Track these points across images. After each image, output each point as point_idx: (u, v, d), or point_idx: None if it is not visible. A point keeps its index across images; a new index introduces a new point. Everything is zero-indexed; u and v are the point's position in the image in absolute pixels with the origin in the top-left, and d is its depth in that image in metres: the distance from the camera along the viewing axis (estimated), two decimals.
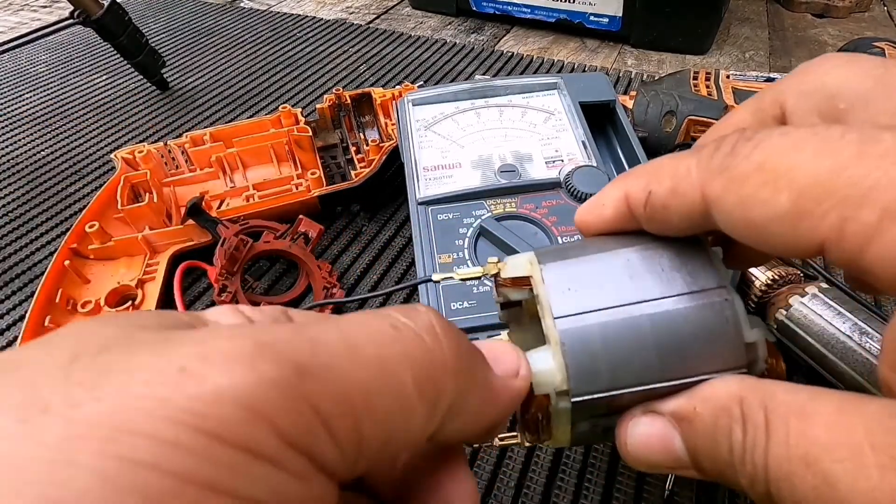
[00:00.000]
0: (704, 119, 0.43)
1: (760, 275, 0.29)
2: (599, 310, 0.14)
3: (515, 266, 0.16)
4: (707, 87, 0.44)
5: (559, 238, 0.29)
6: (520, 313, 0.18)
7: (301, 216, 0.35)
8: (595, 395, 0.14)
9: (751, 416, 0.11)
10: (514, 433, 0.16)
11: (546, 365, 0.14)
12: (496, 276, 0.16)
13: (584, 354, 0.14)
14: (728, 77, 0.45)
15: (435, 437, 0.11)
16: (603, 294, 0.14)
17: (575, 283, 0.15)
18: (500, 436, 0.16)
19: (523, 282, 0.16)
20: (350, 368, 0.09)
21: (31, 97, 0.57)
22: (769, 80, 0.43)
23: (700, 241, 0.15)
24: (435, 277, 0.17)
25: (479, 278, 0.17)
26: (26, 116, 0.54)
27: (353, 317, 0.11)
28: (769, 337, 0.14)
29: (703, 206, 0.12)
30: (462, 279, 0.17)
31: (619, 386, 0.14)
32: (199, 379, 0.08)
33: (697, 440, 0.13)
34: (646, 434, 0.13)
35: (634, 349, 0.14)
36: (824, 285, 0.28)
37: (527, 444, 0.15)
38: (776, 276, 0.29)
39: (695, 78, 0.45)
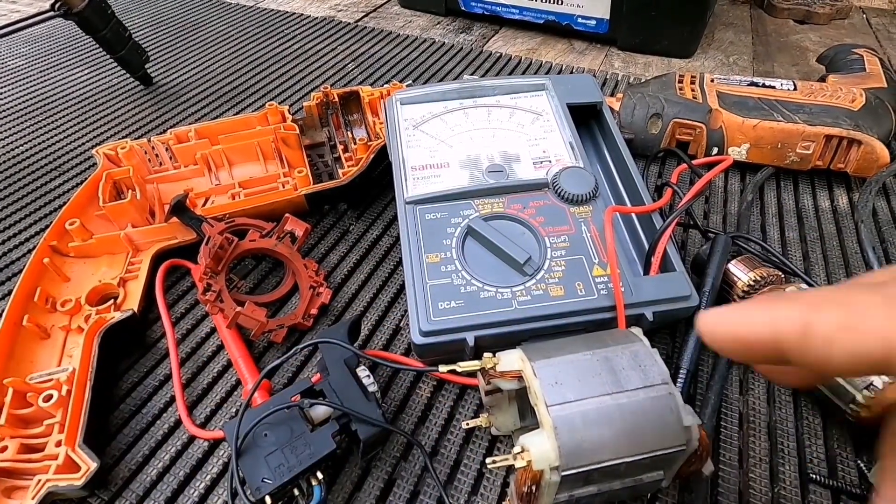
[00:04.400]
0: (689, 122, 0.43)
1: (743, 275, 0.30)
2: (580, 400, 0.19)
3: (509, 361, 0.21)
4: (692, 90, 0.45)
5: (546, 238, 0.29)
6: (500, 399, 0.23)
7: (287, 215, 0.35)
8: (578, 470, 0.18)
9: None
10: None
11: (543, 446, 0.18)
12: (491, 369, 0.21)
13: (572, 436, 0.18)
14: (712, 81, 0.45)
15: None
16: (581, 387, 0.19)
17: (560, 378, 0.19)
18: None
19: (514, 374, 0.20)
20: None
21: (10, 91, 0.56)
22: (752, 84, 0.44)
23: (647, 344, 0.21)
24: (442, 369, 0.22)
25: (478, 370, 0.21)
26: (5, 110, 0.53)
27: None
28: (698, 421, 0.19)
29: (885, 352, 0.11)
30: (464, 371, 0.21)
31: (595, 461, 0.18)
32: None
33: None
34: None
35: (606, 431, 0.18)
36: (804, 286, 0.28)
37: None
38: (758, 277, 0.29)
39: (680, 81, 0.46)
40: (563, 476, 0.18)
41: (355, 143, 0.40)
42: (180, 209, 0.33)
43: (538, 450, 0.18)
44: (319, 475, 0.23)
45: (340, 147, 0.43)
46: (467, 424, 0.24)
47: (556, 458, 0.18)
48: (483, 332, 0.26)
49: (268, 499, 0.21)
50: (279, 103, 0.45)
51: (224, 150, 0.40)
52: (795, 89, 0.43)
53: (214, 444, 0.27)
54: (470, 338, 0.25)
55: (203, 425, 0.27)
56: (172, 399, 0.28)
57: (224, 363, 0.30)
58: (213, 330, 0.32)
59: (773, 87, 0.44)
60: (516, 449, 0.18)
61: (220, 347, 0.31)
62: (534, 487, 0.18)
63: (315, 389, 0.25)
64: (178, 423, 0.27)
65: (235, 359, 0.29)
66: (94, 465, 0.23)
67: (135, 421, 0.28)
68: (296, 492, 0.23)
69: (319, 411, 0.24)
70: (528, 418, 0.24)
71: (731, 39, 0.69)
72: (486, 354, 0.20)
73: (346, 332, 0.26)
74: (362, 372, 0.25)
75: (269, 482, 0.21)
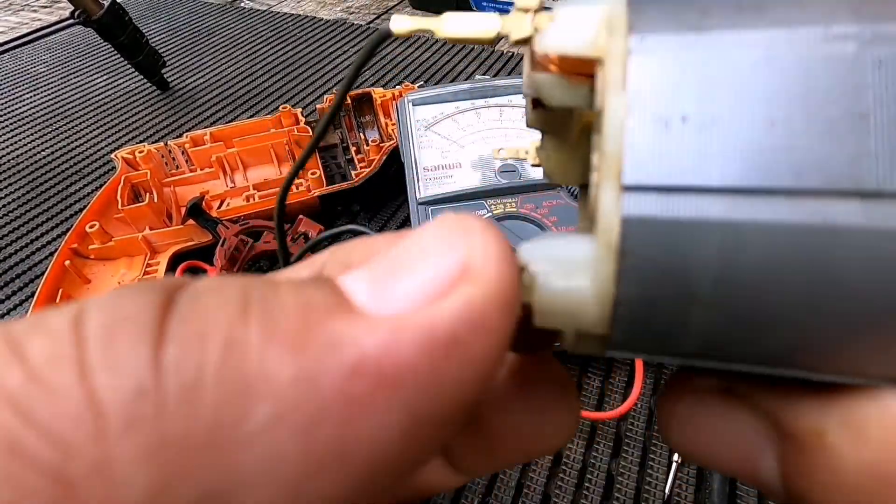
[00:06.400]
0: None
1: None
2: (747, 191, 0.06)
3: (571, 29, 0.07)
4: None
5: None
6: (564, 121, 0.09)
7: (301, 216, 0.35)
8: (654, 359, 0.07)
9: None
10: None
11: (571, 283, 0.07)
12: (524, 41, 0.07)
13: (668, 287, 0.06)
14: None
15: None
16: (771, 147, 0.06)
17: (705, 102, 0.06)
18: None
19: (582, 67, 0.07)
20: None
21: (31, 97, 0.57)
22: None
23: None
24: (395, 29, 0.08)
25: (489, 43, 0.08)
26: (26, 116, 0.54)
27: None
28: None
29: None
30: (452, 39, 0.08)
31: (714, 356, 0.07)
32: None
33: (815, 492, 0.07)
34: (710, 428, 0.08)
35: (794, 307, 0.06)
36: None
37: None
38: None
39: None
40: (608, 353, 0.07)
41: (368, 145, 0.41)
42: (196, 211, 0.34)
43: (555, 287, 0.07)
44: None
45: (353, 149, 0.43)
46: (499, 152, 0.12)
47: (600, 323, 0.07)
48: None
49: None
50: (292, 106, 0.46)
51: (239, 152, 0.41)
52: None
53: None
54: None
55: None
56: None
57: None
58: None
59: None
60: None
61: None
62: (538, 343, 0.08)
63: None
64: None
65: None
66: None
67: None
68: None
69: None
70: None
71: None
72: (520, 1, 0.07)
73: None
74: None
75: None
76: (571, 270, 0.07)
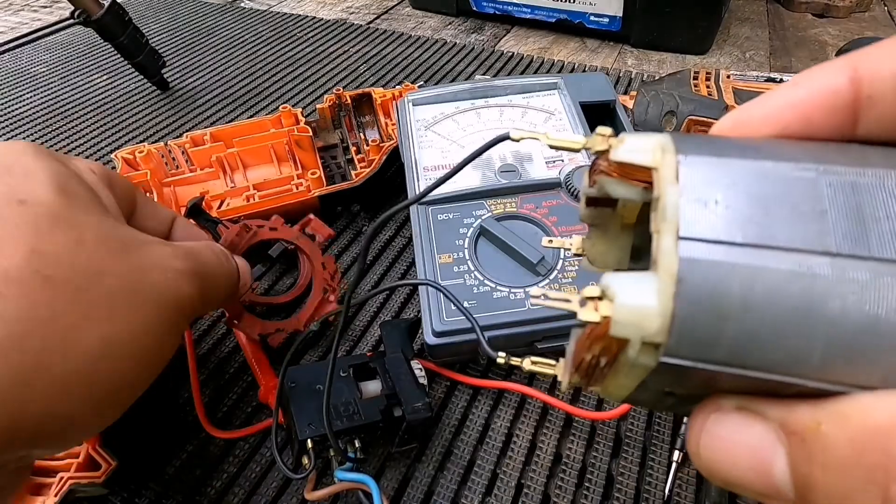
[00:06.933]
0: (704, 119, 0.43)
1: None
2: (757, 246, 0.09)
3: (637, 148, 0.10)
4: (707, 87, 0.44)
5: (559, 238, 0.29)
6: (609, 218, 0.13)
7: (311, 216, 0.34)
8: (697, 365, 0.09)
9: None
10: (550, 361, 0.13)
11: (642, 300, 0.09)
12: (601, 153, 0.11)
13: (708, 306, 0.09)
14: (728, 77, 0.45)
15: None
16: (770, 223, 0.09)
17: (728, 194, 0.09)
18: (533, 359, 0.13)
19: (639, 173, 0.10)
20: None
21: (31, 97, 0.57)
22: (770, 80, 0.43)
23: None
24: (514, 135, 0.12)
25: (576, 151, 0.12)
26: (26, 116, 0.54)
27: None
28: None
29: None
30: (553, 146, 0.12)
31: (738, 363, 0.09)
32: None
33: (816, 472, 0.08)
34: (732, 440, 0.09)
35: (792, 327, 0.09)
36: None
37: (566, 383, 0.11)
38: None
39: (695, 78, 0.45)
40: (662, 364, 0.09)
41: (368, 145, 0.41)
42: (197, 212, 0.34)
43: (631, 303, 0.09)
44: (357, 444, 0.23)
45: (353, 149, 0.43)
46: (549, 242, 0.16)
47: (661, 331, 0.09)
48: (496, 333, 0.26)
49: (309, 442, 0.23)
50: (292, 106, 0.46)
51: (239, 152, 0.41)
52: None
53: (230, 444, 0.27)
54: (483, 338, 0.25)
55: (219, 425, 0.28)
56: (189, 398, 0.29)
57: (239, 363, 0.31)
58: (229, 330, 0.32)
59: None
60: (591, 289, 0.10)
61: (236, 347, 0.31)
62: (602, 361, 0.10)
63: (369, 365, 0.26)
64: (195, 422, 0.28)
65: (250, 359, 0.30)
66: (114, 463, 0.24)
67: (152, 421, 0.28)
68: (331, 452, 0.23)
69: (371, 387, 0.25)
70: (645, 260, 0.14)
71: (746, 35, 0.68)
72: (601, 129, 0.11)
73: (407, 327, 0.28)
74: (415, 364, 0.26)
75: (313, 428, 0.23)
76: (642, 292, 0.09)
